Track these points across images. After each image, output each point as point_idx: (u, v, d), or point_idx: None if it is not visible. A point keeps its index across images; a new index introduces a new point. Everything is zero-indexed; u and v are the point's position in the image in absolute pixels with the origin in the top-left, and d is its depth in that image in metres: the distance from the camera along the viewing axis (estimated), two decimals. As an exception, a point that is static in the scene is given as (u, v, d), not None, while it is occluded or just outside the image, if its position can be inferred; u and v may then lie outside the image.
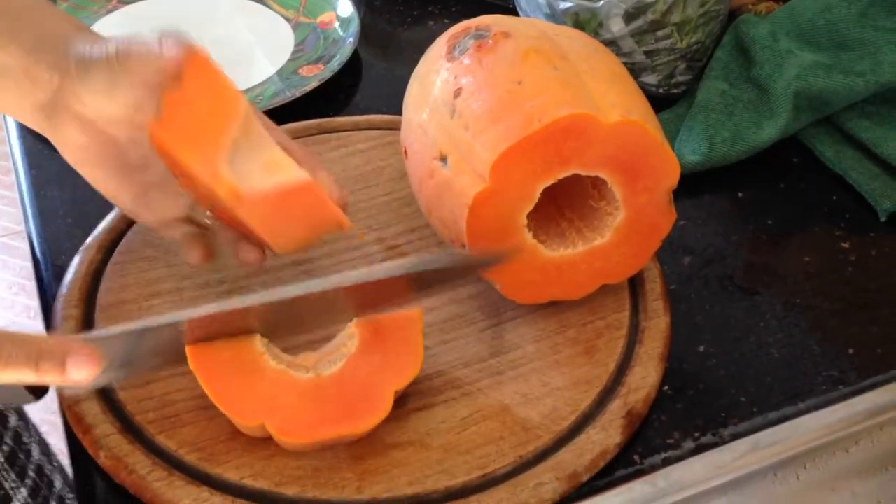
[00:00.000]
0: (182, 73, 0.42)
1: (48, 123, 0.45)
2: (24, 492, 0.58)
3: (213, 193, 0.44)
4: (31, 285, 1.76)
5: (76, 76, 0.42)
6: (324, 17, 0.79)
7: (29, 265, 1.78)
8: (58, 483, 0.63)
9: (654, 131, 0.45)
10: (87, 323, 0.51)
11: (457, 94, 0.47)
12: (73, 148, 0.45)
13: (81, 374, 0.39)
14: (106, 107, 0.43)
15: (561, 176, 0.44)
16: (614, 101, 0.44)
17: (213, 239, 0.50)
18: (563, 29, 0.50)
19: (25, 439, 0.60)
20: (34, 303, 1.73)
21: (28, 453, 0.59)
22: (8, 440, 0.57)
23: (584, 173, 0.45)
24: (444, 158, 0.46)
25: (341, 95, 0.73)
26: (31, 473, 0.59)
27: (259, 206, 0.45)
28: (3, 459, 0.56)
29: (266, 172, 0.45)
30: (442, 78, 0.48)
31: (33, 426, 0.63)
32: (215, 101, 0.44)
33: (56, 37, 0.44)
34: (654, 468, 0.45)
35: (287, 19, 0.79)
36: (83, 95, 0.43)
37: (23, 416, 0.62)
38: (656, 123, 0.46)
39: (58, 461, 0.65)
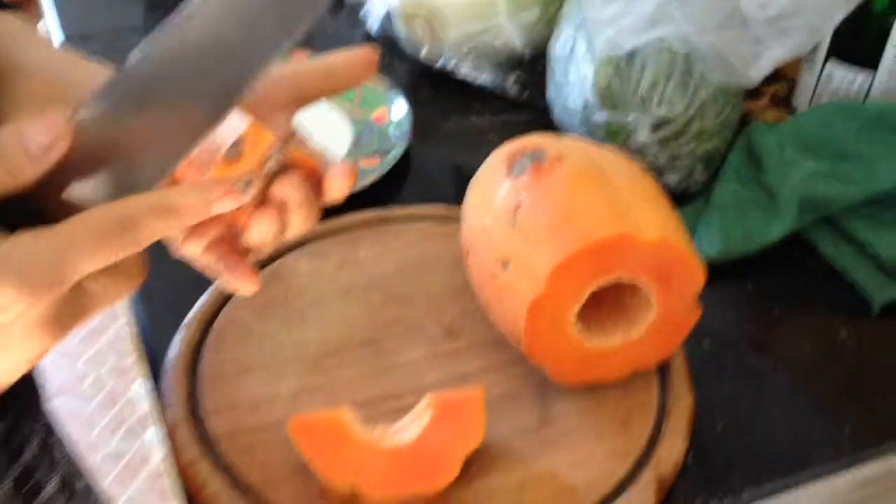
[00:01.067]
0: None
1: None
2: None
3: None
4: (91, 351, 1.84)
5: None
6: (378, 112, 0.88)
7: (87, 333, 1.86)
8: None
9: (685, 246, 0.54)
10: (192, 391, 0.59)
11: (517, 208, 0.56)
12: None
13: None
14: None
15: (605, 283, 0.53)
16: (651, 221, 0.53)
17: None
18: (606, 152, 0.59)
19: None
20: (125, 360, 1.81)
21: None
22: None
23: (625, 280, 0.54)
24: (505, 263, 0.55)
25: (394, 186, 0.82)
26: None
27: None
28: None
29: None
30: (504, 191, 0.57)
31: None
32: None
33: None
34: (681, 529, 0.53)
35: (345, 112, 0.89)
36: None
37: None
38: (686, 237, 0.55)
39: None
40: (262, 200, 0.43)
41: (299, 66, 0.46)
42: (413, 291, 0.68)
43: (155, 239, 0.36)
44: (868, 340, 0.65)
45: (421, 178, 0.84)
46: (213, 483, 0.53)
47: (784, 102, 0.87)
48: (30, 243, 0.33)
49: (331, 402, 0.59)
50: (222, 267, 0.46)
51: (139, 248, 0.35)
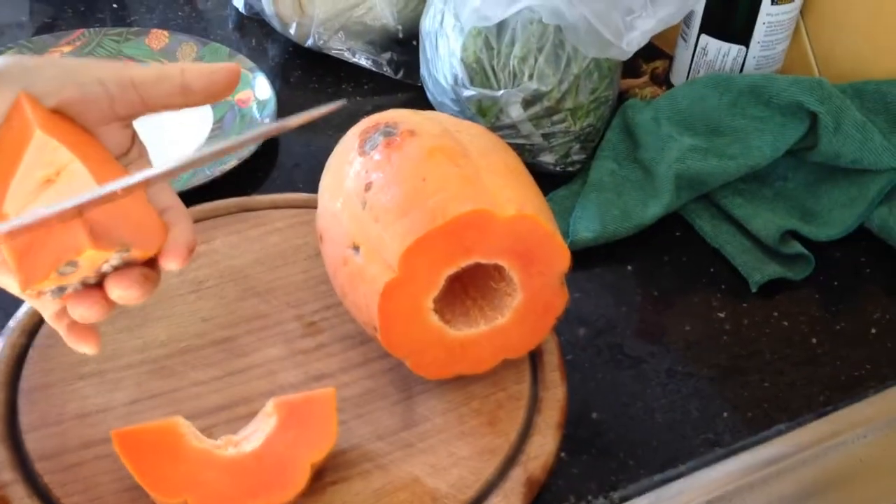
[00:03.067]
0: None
1: None
2: None
3: None
4: None
5: None
6: (241, 96, 0.82)
7: None
8: None
9: (546, 223, 0.50)
10: (11, 406, 0.52)
11: (367, 187, 0.51)
12: None
13: None
14: None
15: (463, 265, 0.49)
16: (510, 196, 0.49)
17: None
18: (465, 125, 0.55)
19: None
20: None
21: None
22: None
23: (484, 261, 0.49)
24: (356, 247, 0.50)
25: (259, 173, 0.76)
26: None
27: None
28: None
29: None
30: (354, 170, 0.52)
31: None
32: (21, 138, 0.40)
33: None
34: (552, 530, 0.50)
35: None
36: None
37: None
38: (549, 214, 0.51)
39: None
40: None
41: (144, 75, 0.42)
42: (272, 284, 0.62)
43: None
44: (747, 319, 0.63)
45: (287, 164, 0.78)
46: (27, 509, 0.47)
47: (663, 79, 0.85)
48: None
49: (172, 411, 0.53)
50: (68, 335, 0.43)
51: None
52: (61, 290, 0.39)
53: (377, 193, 0.50)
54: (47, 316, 0.44)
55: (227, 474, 0.46)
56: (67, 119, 0.42)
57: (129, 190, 0.36)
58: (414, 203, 0.48)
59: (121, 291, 0.39)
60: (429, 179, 0.49)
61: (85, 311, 0.40)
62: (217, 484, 0.46)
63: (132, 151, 0.45)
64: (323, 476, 0.49)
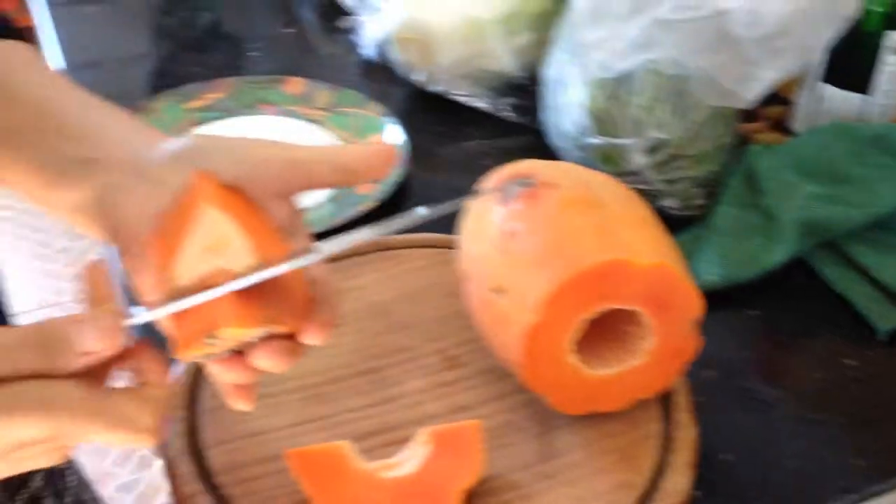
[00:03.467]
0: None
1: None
2: None
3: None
4: None
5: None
6: (372, 139, 0.88)
7: None
8: None
9: (679, 272, 0.53)
10: (192, 424, 0.58)
11: (508, 236, 0.55)
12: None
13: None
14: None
15: (601, 310, 0.53)
16: (644, 246, 0.53)
17: None
18: (597, 176, 0.59)
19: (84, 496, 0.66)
20: None
21: None
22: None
23: (620, 307, 0.53)
24: (499, 291, 0.54)
25: (392, 213, 0.81)
26: None
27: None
28: None
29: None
30: (495, 219, 0.57)
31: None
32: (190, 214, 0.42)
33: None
34: (687, 565, 0.52)
35: (343, 140, 0.89)
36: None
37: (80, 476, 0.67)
38: (681, 262, 0.55)
39: None
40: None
41: (313, 153, 0.46)
42: (413, 319, 0.67)
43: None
44: (875, 367, 0.64)
45: (418, 204, 0.83)
46: (211, 521, 0.52)
47: (782, 125, 0.87)
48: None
49: (330, 434, 0.58)
50: (225, 388, 0.47)
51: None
52: (208, 356, 0.42)
53: (519, 241, 0.54)
54: (216, 370, 0.46)
55: (389, 495, 0.51)
56: (238, 193, 0.44)
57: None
58: (554, 252, 0.52)
59: (264, 362, 0.43)
60: (568, 229, 0.53)
61: (233, 377, 0.44)
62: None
63: (295, 223, 0.48)
64: (472, 501, 0.53)
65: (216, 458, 0.56)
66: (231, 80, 0.96)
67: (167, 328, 0.42)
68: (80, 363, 0.37)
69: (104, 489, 1.67)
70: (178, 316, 0.41)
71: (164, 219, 0.42)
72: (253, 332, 0.41)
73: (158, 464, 1.54)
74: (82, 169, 0.44)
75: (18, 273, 2.12)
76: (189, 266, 0.41)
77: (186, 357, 0.41)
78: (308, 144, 0.48)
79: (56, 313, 0.47)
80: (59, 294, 2.05)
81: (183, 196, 0.43)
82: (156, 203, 0.43)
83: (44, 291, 2.04)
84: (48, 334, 0.37)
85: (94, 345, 0.37)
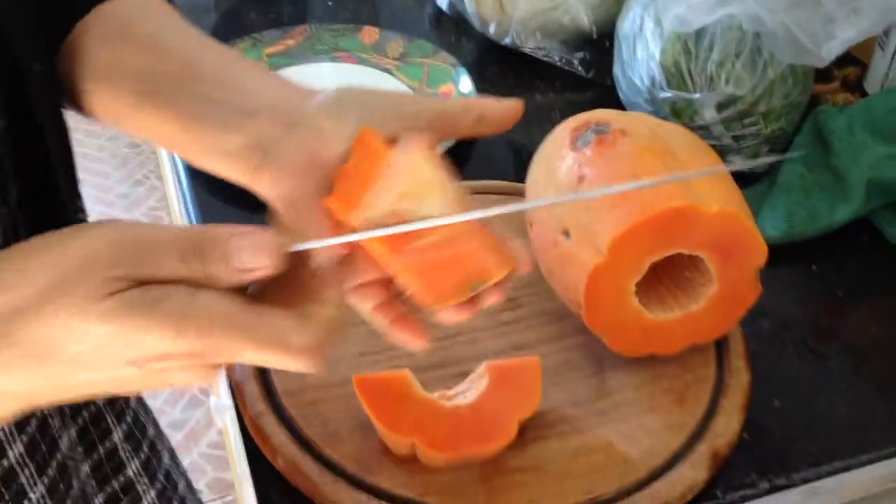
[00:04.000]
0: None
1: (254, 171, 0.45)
2: (152, 493, 0.67)
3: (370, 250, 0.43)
4: None
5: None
6: (444, 89, 0.90)
7: None
8: (181, 487, 0.72)
9: (747, 221, 0.54)
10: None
11: (580, 180, 0.56)
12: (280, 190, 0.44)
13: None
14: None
15: (667, 254, 0.54)
16: (714, 195, 0.54)
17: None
18: (670, 127, 0.60)
19: (159, 447, 0.69)
20: None
21: (160, 459, 0.68)
22: (145, 448, 0.66)
23: (686, 252, 0.54)
24: (567, 233, 0.56)
25: (458, 162, 0.83)
26: (161, 477, 0.67)
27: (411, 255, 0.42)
28: (139, 464, 0.65)
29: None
30: (567, 164, 0.58)
31: (165, 436, 0.72)
32: (373, 166, 0.42)
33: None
34: (733, 503, 0.54)
35: (413, 90, 0.90)
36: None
37: (158, 428, 0.71)
38: (748, 212, 0.55)
39: (183, 469, 0.74)
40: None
41: (451, 106, 0.47)
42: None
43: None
44: (933, 326, 0.64)
45: (484, 156, 0.85)
46: (278, 436, 0.55)
47: (855, 86, 0.86)
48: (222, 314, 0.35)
49: (391, 366, 0.60)
50: (391, 328, 0.47)
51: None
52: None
53: (590, 186, 0.55)
54: (365, 311, 0.47)
55: (448, 422, 0.53)
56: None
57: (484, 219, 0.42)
58: (625, 196, 0.53)
59: (493, 298, 0.45)
60: (640, 176, 0.54)
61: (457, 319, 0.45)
62: (440, 430, 0.53)
63: None
64: (526, 433, 0.56)
65: (281, 381, 0.59)
66: (307, 28, 0.98)
67: (417, 281, 0.42)
68: (233, 279, 0.36)
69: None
70: (425, 270, 0.42)
71: (345, 164, 0.43)
72: (503, 276, 0.44)
73: (208, 403, 1.59)
74: (240, 118, 0.45)
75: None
76: (379, 206, 0.41)
77: (441, 305, 0.43)
78: (449, 99, 0.48)
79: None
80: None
81: (353, 153, 0.43)
82: (316, 148, 0.43)
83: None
84: (206, 240, 0.35)
85: (253, 261, 0.35)
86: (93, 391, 0.37)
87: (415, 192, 0.41)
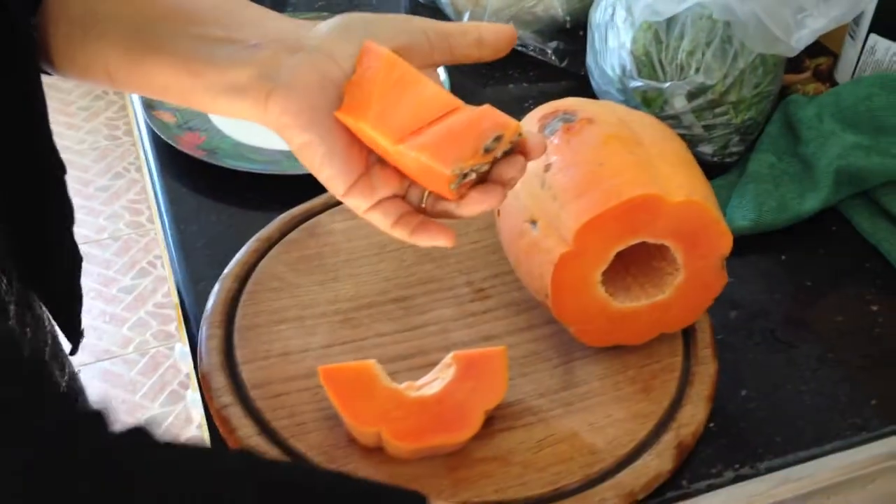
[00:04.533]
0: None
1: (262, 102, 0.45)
2: None
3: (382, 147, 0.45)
4: (167, 306, 1.91)
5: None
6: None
7: (165, 289, 1.91)
8: None
9: (712, 209, 0.54)
10: (227, 341, 0.61)
11: (546, 168, 0.56)
12: (297, 116, 0.45)
13: None
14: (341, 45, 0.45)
15: (632, 243, 0.54)
16: (680, 183, 0.53)
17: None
18: (638, 115, 0.59)
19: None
20: (169, 326, 1.87)
21: None
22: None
23: (651, 241, 0.54)
24: (533, 222, 0.56)
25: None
26: None
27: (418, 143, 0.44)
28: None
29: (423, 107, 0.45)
30: (533, 153, 0.58)
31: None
32: (384, 75, 0.44)
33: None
34: (698, 492, 0.54)
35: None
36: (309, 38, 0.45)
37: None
38: (714, 201, 0.55)
39: None
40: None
41: (452, 28, 0.48)
42: (445, 251, 0.68)
43: None
44: (900, 314, 0.64)
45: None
46: (244, 428, 0.55)
47: (827, 76, 0.86)
48: None
49: (360, 356, 0.60)
50: (415, 235, 0.47)
51: None
52: (465, 176, 0.44)
53: (556, 174, 0.55)
54: (386, 226, 0.48)
55: (414, 413, 0.53)
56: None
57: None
58: (591, 185, 0.53)
59: (513, 174, 0.45)
60: (605, 164, 0.54)
61: (487, 202, 0.45)
62: (406, 420, 0.53)
63: None
64: (493, 423, 0.55)
65: (249, 373, 0.58)
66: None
67: (426, 157, 0.43)
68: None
69: (133, 421, 1.73)
70: (432, 146, 0.43)
71: (352, 81, 0.44)
72: (519, 132, 0.44)
73: (188, 398, 1.58)
74: (247, 52, 0.45)
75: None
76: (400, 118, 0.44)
77: (456, 172, 0.43)
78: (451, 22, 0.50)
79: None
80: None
81: (359, 64, 0.45)
82: (325, 69, 0.44)
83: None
84: None
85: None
86: None
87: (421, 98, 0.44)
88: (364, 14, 0.47)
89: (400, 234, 0.48)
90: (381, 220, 0.47)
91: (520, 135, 0.45)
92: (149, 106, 0.81)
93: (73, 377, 0.67)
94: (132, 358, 1.83)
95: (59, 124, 2.44)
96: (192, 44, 0.46)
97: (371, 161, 0.47)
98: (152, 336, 1.87)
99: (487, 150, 0.44)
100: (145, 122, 0.81)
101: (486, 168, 0.45)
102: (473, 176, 0.44)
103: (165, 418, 1.76)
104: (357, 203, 0.47)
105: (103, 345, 1.84)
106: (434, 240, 0.47)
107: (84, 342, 0.63)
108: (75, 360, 0.68)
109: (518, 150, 0.46)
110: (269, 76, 0.44)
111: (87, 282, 2.13)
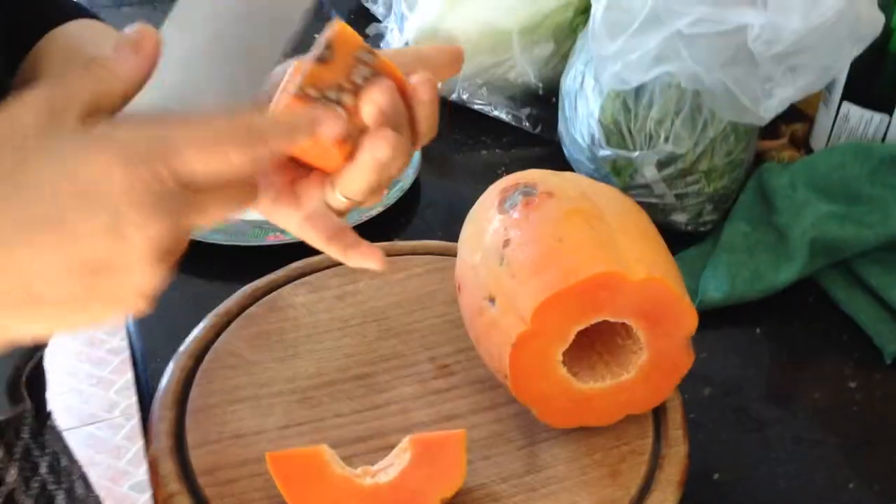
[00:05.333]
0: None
1: None
2: None
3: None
4: (122, 380, 1.88)
5: None
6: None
7: (120, 362, 1.88)
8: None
9: (674, 286, 0.52)
10: (179, 423, 0.58)
11: (505, 244, 0.54)
12: None
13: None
14: None
15: (592, 321, 0.52)
16: (641, 259, 0.52)
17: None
18: (601, 188, 0.58)
19: (74, 475, 0.66)
20: (129, 400, 1.84)
21: (75, 488, 0.63)
22: (64, 479, 0.63)
23: (612, 320, 0.52)
24: (492, 299, 0.54)
25: (402, 219, 0.81)
26: None
27: None
28: (64, 495, 0.61)
29: None
30: (493, 227, 0.56)
31: (78, 463, 0.69)
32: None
33: None
34: (669, 585, 0.51)
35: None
36: None
37: (71, 457, 0.67)
38: (678, 277, 0.53)
39: (96, 494, 0.70)
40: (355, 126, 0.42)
41: (397, 52, 0.47)
42: (409, 326, 0.66)
43: (263, 155, 0.35)
44: (880, 391, 0.62)
45: (429, 211, 0.84)
46: (190, 519, 0.52)
47: (802, 142, 0.85)
48: (135, 124, 0.34)
49: (317, 439, 0.58)
50: (348, 253, 0.47)
51: (251, 160, 0.35)
52: (327, 99, 0.40)
53: (515, 250, 0.54)
54: (321, 242, 0.46)
55: (366, 502, 0.50)
56: None
57: None
58: (549, 262, 0.51)
59: (379, 98, 0.40)
60: (565, 240, 0.52)
61: (376, 150, 0.41)
62: (356, 510, 0.50)
63: None
64: (450, 512, 0.53)
65: (199, 458, 0.56)
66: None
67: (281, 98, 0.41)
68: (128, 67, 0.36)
69: (117, 487, 1.70)
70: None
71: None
72: (358, 43, 0.40)
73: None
74: None
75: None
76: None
77: (308, 91, 0.40)
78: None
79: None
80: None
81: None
82: None
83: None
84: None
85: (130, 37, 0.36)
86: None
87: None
88: None
89: (335, 251, 0.47)
90: (315, 236, 0.47)
91: (370, 52, 0.40)
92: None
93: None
94: (118, 422, 1.80)
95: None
96: None
97: (295, 176, 0.45)
98: (137, 402, 1.84)
99: (322, 60, 0.40)
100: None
101: (346, 98, 0.40)
102: (337, 106, 0.40)
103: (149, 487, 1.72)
104: (287, 215, 0.46)
105: (90, 409, 1.80)
106: (365, 260, 0.46)
107: (70, 405, 0.61)
108: (62, 424, 0.65)
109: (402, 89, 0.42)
110: None
111: (74, 344, 2.09)
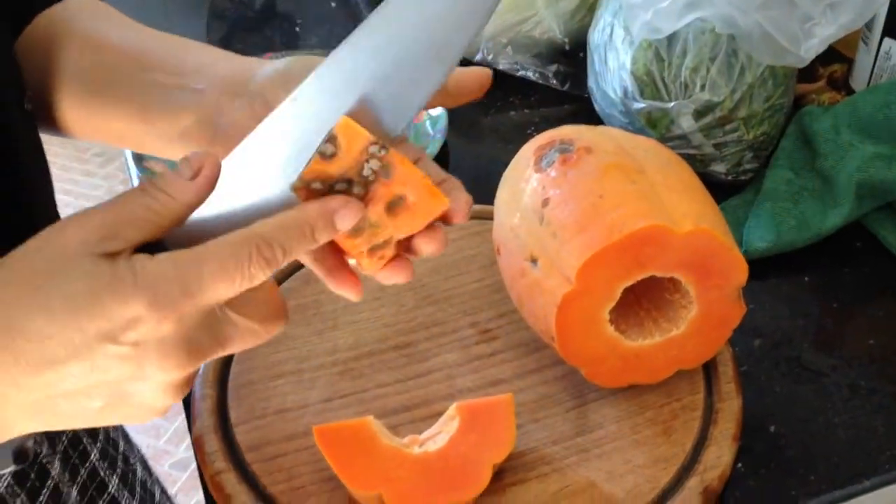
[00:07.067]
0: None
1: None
2: None
3: None
4: None
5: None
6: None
7: None
8: (158, 494, 0.69)
9: (722, 237, 0.50)
10: (221, 401, 0.58)
11: (545, 203, 0.53)
12: None
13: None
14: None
15: (639, 278, 0.50)
16: (686, 211, 0.50)
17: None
18: (639, 141, 0.56)
19: (132, 460, 0.66)
20: None
21: (134, 472, 0.66)
22: (120, 463, 0.63)
23: (660, 275, 0.51)
24: (534, 260, 0.53)
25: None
26: (139, 489, 0.65)
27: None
28: (118, 479, 0.62)
29: None
30: (531, 187, 0.55)
31: (136, 446, 0.69)
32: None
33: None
34: (729, 541, 0.50)
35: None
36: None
37: (128, 440, 0.68)
38: (725, 227, 0.52)
39: (157, 476, 0.71)
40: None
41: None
42: (447, 292, 0.65)
43: (288, 260, 0.36)
44: (937, 334, 0.60)
45: (459, 175, 0.81)
46: (240, 494, 0.52)
47: (842, 84, 0.82)
48: (164, 261, 0.34)
49: (361, 410, 0.57)
50: (329, 277, 0.45)
51: (270, 269, 0.36)
52: (331, 187, 0.39)
53: (555, 209, 0.52)
54: (307, 259, 0.45)
55: (416, 472, 0.50)
56: None
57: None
58: (591, 219, 0.50)
59: (427, 247, 0.41)
60: (606, 196, 0.50)
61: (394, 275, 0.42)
62: (408, 480, 0.49)
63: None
64: (503, 477, 0.52)
65: (244, 435, 0.55)
66: (289, 54, 0.95)
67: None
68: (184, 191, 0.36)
69: (158, 466, 1.71)
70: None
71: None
72: (366, 136, 0.39)
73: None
74: (190, 97, 0.45)
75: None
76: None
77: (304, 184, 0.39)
78: None
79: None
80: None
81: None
82: (263, 115, 0.42)
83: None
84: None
85: (193, 164, 0.36)
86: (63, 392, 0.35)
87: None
88: (311, 58, 0.45)
89: (317, 271, 0.45)
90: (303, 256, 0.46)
91: (383, 148, 0.38)
92: (138, 157, 0.80)
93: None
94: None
95: (76, 171, 2.45)
96: (144, 90, 0.46)
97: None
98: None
99: (324, 155, 0.38)
100: (137, 174, 0.79)
101: (345, 186, 0.39)
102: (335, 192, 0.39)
103: (190, 463, 1.73)
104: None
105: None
106: (342, 286, 0.45)
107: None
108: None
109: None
110: (211, 121, 0.44)
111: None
